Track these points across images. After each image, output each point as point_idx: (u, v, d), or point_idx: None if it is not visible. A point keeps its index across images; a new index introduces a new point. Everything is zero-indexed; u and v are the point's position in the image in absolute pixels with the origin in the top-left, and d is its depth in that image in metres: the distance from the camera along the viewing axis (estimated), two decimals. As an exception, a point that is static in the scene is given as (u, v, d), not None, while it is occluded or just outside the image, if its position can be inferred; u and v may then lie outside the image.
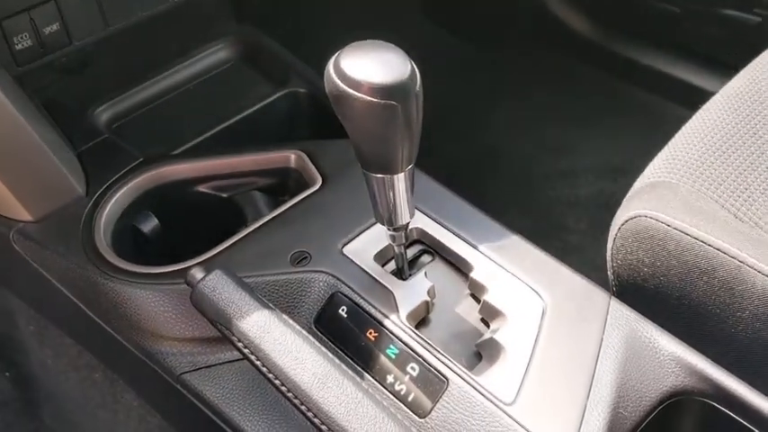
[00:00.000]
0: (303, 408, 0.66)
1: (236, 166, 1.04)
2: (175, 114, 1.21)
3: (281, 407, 0.79)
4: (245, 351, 0.70)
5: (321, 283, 0.83)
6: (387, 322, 0.79)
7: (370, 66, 0.62)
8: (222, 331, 0.72)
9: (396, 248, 0.82)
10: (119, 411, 1.16)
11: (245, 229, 0.91)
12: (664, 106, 1.78)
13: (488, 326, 0.82)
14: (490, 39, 2.04)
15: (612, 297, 0.82)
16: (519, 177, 1.78)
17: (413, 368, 0.76)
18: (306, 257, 0.85)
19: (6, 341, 1.30)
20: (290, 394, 0.67)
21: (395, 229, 0.78)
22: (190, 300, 0.75)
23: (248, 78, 1.28)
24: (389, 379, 0.76)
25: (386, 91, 0.62)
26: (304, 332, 0.71)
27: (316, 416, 0.66)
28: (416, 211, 0.89)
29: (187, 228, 1.02)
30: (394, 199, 0.73)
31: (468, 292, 0.86)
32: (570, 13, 1.96)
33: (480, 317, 0.83)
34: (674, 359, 0.77)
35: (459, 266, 0.87)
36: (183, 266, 0.86)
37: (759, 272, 0.81)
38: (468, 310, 0.84)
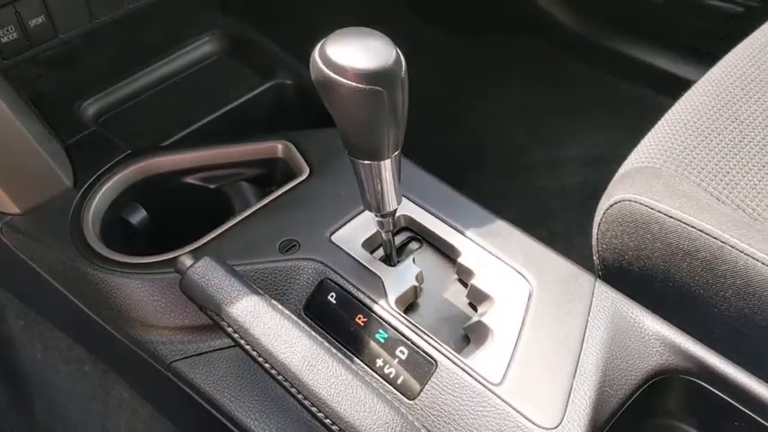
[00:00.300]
0: (293, 390, 0.67)
1: (224, 157, 1.04)
2: (162, 107, 1.20)
3: (272, 392, 0.79)
4: (235, 336, 0.70)
5: (310, 271, 0.84)
6: (375, 307, 0.80)
7: (355, 52, 0.62)
8: (212, 317, 0.72)
9: (384, 235, 0.83)
10: (110, 403, 1.16)
11: (234, 219, 0.91)
12: (648, 96, 1.80)
13: (476, 309, 0.83)
14: (476, 30, 2.05)
15: (598, 280, 0.83)
16: (505, 167, 1.79)
17: (401, 351, 0.77)
18: (294, 245, 0.86)
19: (-4, 337, 1.30)
20: (280, 377, 0.67)
21: (383, 216, 0.79)
22: (179, 287, 0.75)
23: (235, 70, 1.28)
24: (379, 363, 0.77)
25: (371, 77, 0.62)
26: (293, 317, 0.71)
27: (306, 398, 0.66)
28: (404, 198, 0.90)
29: (175, 219, 1.02)
30: (381, 185, 0.74)
31: (455, 277, 0.87)
32: (555, 4, 1.97)
33: (468, 301, 0.84)
34: (659, 338, 0.78)
35: (447, 252, 0.88)
36: (172, 256, 0.86)
37: (741, 252, 0.83)
38: (456, 295, 0.85)
